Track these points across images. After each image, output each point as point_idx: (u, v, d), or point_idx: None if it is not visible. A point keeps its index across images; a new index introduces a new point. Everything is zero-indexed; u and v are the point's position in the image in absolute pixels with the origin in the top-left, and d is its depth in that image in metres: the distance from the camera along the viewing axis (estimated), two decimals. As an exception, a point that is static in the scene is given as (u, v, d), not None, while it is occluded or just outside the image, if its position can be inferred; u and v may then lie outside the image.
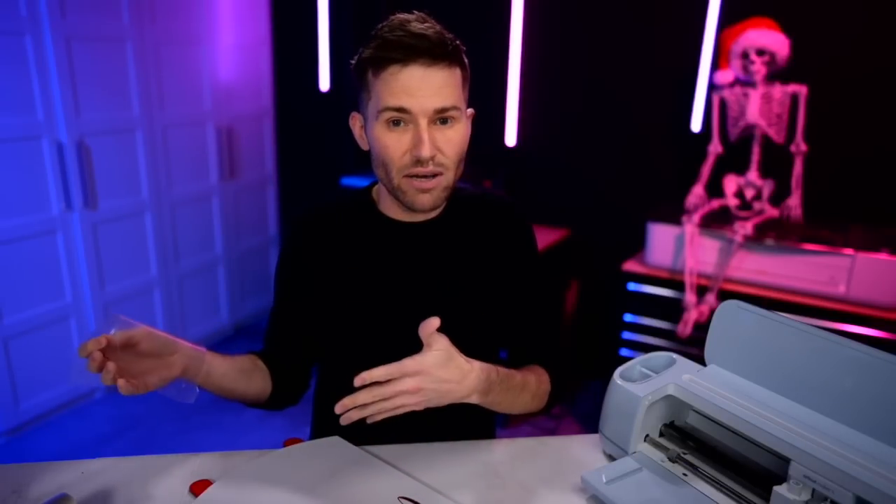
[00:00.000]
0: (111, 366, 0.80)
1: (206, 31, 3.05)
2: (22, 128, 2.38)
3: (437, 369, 0.85)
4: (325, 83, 3.36)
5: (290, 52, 3.47)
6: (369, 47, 0.95)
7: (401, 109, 0.93)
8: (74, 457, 1.01)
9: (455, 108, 0.96)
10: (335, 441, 1.01)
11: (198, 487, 0.89)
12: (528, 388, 1.04)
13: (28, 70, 2.36)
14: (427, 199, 0.99)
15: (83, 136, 2.56)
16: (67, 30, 2.45)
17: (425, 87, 0.93)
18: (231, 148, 3.28)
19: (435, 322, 0.86)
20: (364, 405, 0.84)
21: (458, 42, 0.97)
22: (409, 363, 0.84)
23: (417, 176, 0.96)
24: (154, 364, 0.87)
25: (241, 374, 1.03)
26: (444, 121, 0.95)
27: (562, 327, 2.89)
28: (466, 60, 1.00)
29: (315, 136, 3.55)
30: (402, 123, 0.95)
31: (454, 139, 0.97)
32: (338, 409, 0.84)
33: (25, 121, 2.39)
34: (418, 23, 0.94)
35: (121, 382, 0.80)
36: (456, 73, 0.96)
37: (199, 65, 3.05)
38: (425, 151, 0.93)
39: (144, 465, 0.97)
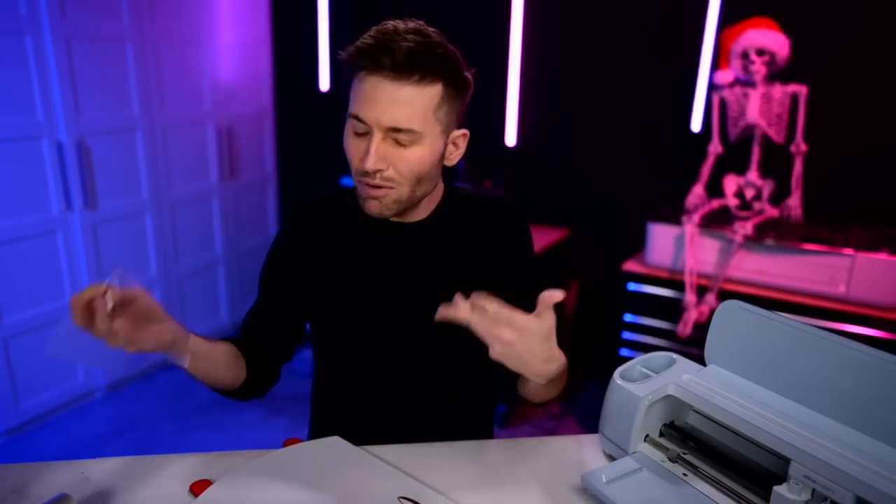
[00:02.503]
0: (101, 312, 0.75)
1: (206, 31, 3.05)
2: (22, 128, 2.38)
3: (535, 339, 0.83)
4: (325, 83, 3.36)
5: (290, 52, 3.47)
6: (348, 48, 0.94)
7: (358, 117, 0.93)
8: (74, 457, 1.01)
9: (412, 130, 0.92)
10: (335, 441, 1.01)
11: (198, 487, 0.89)
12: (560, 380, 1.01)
13: (28, 70, 2.36)
14: (374, 205, 0.98)
15: (83, 136, 2.56)
16: (67, 30, 2.44)
17: (383, 102, 0.91)
18: (231, 148, 3.28)
19: (557, 295, 0.83)
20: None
21: (448, 57, 0.93)
22: (518, 318, 0.82)
23: (367, 184, 0.96)
24: (147, 328, 0.83)
25: (223, 356, 1.01)
26: (399, 140, 0.93)
27: (562, 327, 2.88)
28: (468, 75, 0.96)
29: (315, 136, 3.54)
30: (361, 130, 0.94)
31: (409, 159, 0.94)
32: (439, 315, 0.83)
33: (25, 121, 2.39)
34: (403, 34, 0.90)
35: (118, 331, 0.76)
36: (430, 92, 0.92)
37: (199, 65, 3.05)
38: (368, 164, 0.92)
39: (144, 465, 0.96)
